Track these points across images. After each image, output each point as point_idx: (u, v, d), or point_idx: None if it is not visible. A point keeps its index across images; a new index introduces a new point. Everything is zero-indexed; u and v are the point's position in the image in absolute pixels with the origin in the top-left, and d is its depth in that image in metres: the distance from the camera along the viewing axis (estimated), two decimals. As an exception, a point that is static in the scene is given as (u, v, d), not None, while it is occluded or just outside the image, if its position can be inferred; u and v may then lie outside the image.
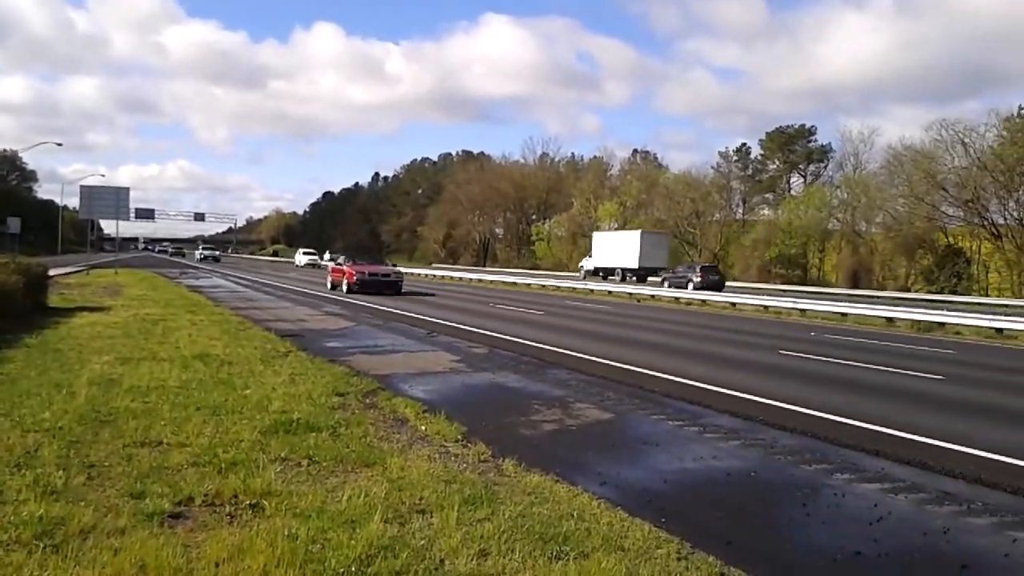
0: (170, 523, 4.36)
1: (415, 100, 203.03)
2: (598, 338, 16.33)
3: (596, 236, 58.76)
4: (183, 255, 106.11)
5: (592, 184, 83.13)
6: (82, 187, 43.80)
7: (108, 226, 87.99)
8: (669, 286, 39.24)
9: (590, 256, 56.93)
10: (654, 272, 47.01)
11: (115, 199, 41.43)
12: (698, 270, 42.15)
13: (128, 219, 48.51)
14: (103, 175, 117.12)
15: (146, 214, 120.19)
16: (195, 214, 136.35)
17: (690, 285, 39.25)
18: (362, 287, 28.12)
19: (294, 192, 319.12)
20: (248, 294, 28.36)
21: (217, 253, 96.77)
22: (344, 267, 30.31)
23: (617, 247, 52.85)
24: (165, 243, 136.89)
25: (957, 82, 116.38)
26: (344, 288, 28.94)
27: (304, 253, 78.33)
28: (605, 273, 52.42)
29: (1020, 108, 53.22)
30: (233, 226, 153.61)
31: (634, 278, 48.45)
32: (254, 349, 11.60)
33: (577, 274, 56.59)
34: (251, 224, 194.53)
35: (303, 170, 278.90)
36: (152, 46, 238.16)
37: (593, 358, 12.65)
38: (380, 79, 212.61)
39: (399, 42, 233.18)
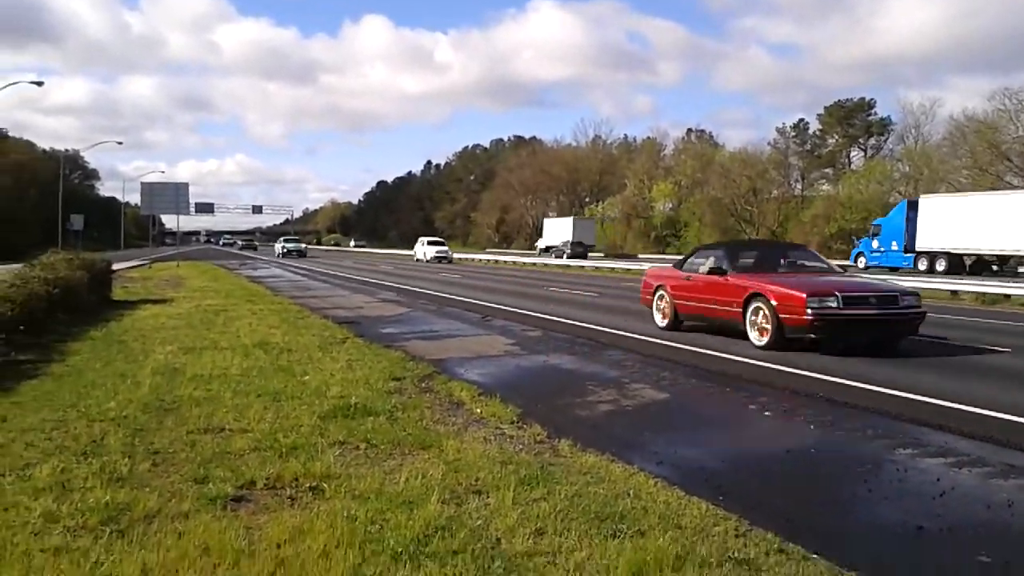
0: (232, 507, 4.46)
1: (465, 88, 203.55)
2: (650, 319, 16.19)
3: (546, 222, 74.89)
4: (255, 248, 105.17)
5: (646, 165, 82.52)
6: (143, 184, 45.21)
7: (169, 221, 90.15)
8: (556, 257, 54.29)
9: (541, 237, 70.10)
10: (586, 249, 60.36)
11: (175, 194, 42.51)
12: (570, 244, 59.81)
13: (188, 213, 49.92)
14: (163, 171, 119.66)
15: (206, 208, 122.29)
16: (253, 207, 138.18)
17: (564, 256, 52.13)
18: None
19: (348, 183, 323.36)
20: (306, 283, 28.79)
21: (303, 246, 76.12)
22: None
23: (559, 230, 67.53)
24: (228, 236, 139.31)
25: (1018, 50, 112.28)
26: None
27: (430, 243, 59.12)
28: (555, 252, 61.73)
29: (1090, 72, 51.30)
30: (290, 217, 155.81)
31: (568, 253, 58.22)
32: (312, 336, 11.79)
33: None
34: (307, 215, 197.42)
35: (356, 161, 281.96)
36: (206, 45, 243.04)
37: (649, 338, 12.57)
38: (429, 69, 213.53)
39: (447, 31, 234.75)
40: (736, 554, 3.88)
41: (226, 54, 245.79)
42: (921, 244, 37.36)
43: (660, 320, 14.04)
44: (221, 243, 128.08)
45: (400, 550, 3.76)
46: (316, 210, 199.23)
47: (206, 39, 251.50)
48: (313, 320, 14.51)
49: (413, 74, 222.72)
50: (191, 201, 57.61)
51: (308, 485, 4.79)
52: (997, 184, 50.89)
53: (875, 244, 41.07)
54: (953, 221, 35.56)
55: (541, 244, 69.67)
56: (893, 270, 36.57)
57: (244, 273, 34.99)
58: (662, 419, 7.38)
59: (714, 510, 4.56)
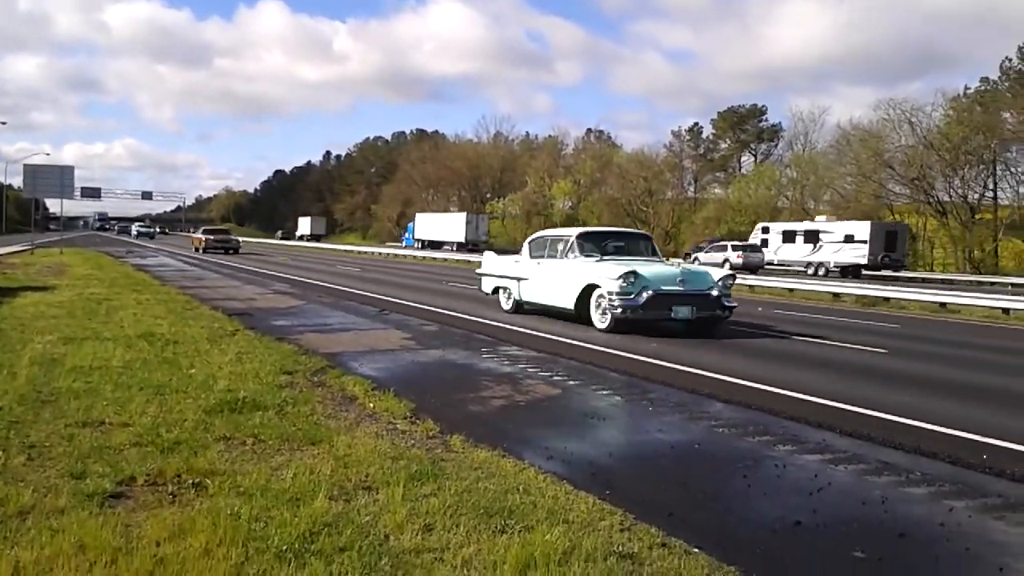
0: (111, 503, 4.30)
1: (365, 79, 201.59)
2: (550, 315, 16.37)
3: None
4: (152, 236, 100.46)
5: (546, 163, 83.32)
6: (26, 166, 43.08)
7: (54, 205, 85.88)
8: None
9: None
10: (477, 244, 62.86)
11: (59, 178, 40.57)
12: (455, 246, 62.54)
13: (73, 198, 47.72)
14: (48, 154, 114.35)
15: (92, 193, 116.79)
16: (142, 193, 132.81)
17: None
18: None
19: (244, 170, 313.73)
20: (196, 273, 27.93)
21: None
22: None
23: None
24: (123, 222, 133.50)
25: (902, 63, 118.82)
26: None
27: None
28: (432, 245, 65.89)
29: (966, 88, 54.58)
30: (182, 204, 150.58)
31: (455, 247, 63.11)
32: (200, 328, 11.45)
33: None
34: (200, 202, 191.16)
35: (253, 148, 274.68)
36: (95, 24, 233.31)
37: (543, 334, 12.72)
38: (328, 57, 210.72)
39: (346, 20, 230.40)
40: (620, 548, 3.96)
41: (115, 34, 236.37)
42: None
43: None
44: (117, 230, 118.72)
45: (285, 548, 3.70)
46: (210, 198, 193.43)
47: (95, 18, 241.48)
48: (202, 311, 14.09)
49: (311, 62, 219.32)
50: (77, 185, 55.18)
51: (191, 481, 4.65)
52: (880, 191, 53.55)
53: None
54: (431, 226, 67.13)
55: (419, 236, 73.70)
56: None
57: (131, 261, 33.68)
58: (554, 414, 7.47)
59: (601, 505, 4.64)
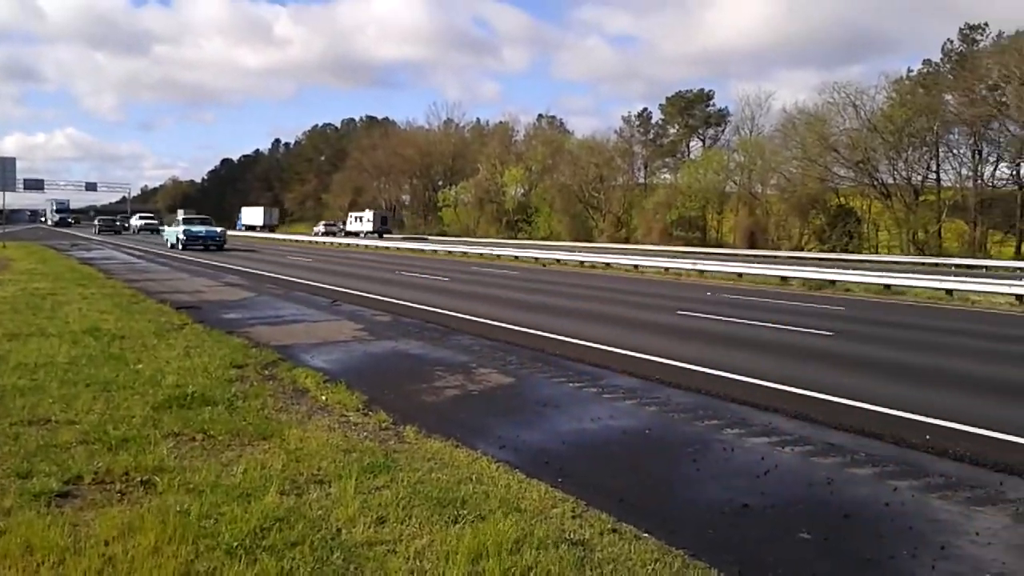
0: (58, 502, 4.25)
1: (309, 64, 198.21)
2: (502, 303, 16.42)
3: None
4: (117, 231, 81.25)
5: (498, 149, 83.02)
6: (-36, 159, 41.39)
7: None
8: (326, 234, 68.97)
9: (319, 224, 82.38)
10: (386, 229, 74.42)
11: (0, 170, 39.36)
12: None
13: (15, 190, 46.27)
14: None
15: (35, 184, 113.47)
16: (86, 184, 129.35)
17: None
18: None
19: (189, 160, 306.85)
20: (142, 265, 27.43)
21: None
22: None
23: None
24: (79, 215, 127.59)
25: (843, 47, 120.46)
26: None
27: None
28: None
29: (909, 71, 55.62)
30: (127, 195, 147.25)
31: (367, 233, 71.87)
32: (148, 322, 11.26)
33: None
34: (146, 193, 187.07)
35: (197, 137, 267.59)
36: (29, 10, 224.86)
37: (497, 323, 12.74)
38: (270, 43, 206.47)
39: (286, 4, 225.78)
40: (572, 535, 4.02)
41: (51, 21, 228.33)
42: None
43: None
44: (99, 226, 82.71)
45: (235, 544, 3.68)
46: (156, 188, 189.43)
47: (29, 4, 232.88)
48: (149, 305, 13.85)
49: (253, 48, 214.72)
50: (19, 177, 53.63)
51: (139, 479, 4.61)
52: (825, 175, 54.39)
53: None
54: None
55: (320, 228, 79.34)
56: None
57: (75, 255, 32.92)
58: (507, 403, 7.51)
59: (553, 492, 4.70)
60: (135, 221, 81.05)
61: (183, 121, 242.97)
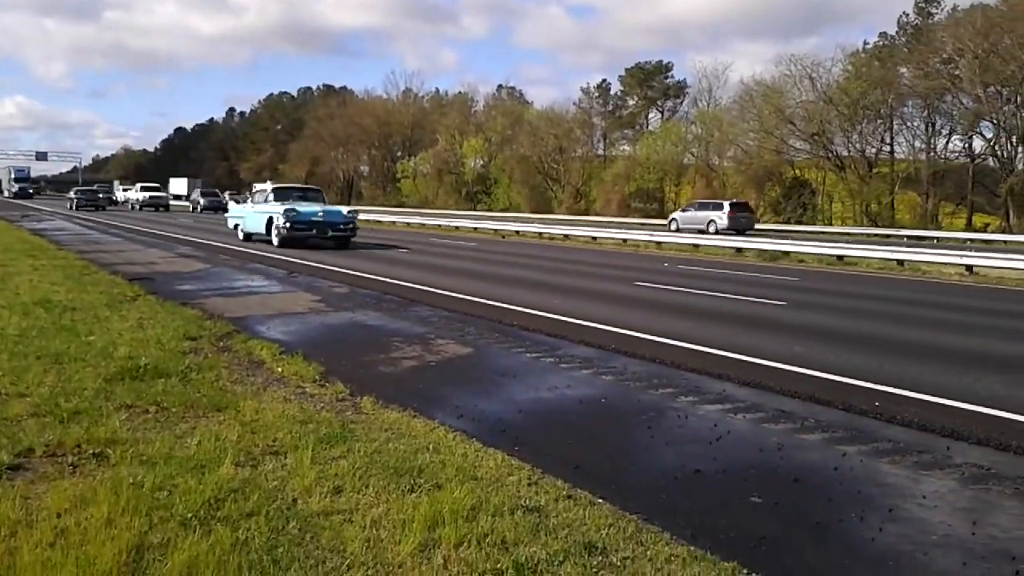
0: (9, 476, 4.18)
1: (265, 31, 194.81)
2: (460, 274, 16.42)
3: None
4: (99, 207, 62.60)
5: (457, 120, 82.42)
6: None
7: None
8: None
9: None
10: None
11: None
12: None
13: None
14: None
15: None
16: (37, 153, 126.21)
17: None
18: None
19: (142, 128, 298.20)
20: (95, 236, 26.91)
21: (31, 189, 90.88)
22: None
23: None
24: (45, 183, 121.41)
25: (801, 18, 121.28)
26: None
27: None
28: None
29: (865, 43, 56.17)
30: (78, 165, 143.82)
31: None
32: (100, 294, 11.08)
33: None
34: (98, 162, 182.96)
35: (150, 105, 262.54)
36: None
37: (455, 294, 12.74)
38: (224, 8, 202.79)
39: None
40: (527, 502, 4.06)
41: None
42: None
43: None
44: (78, 200, 60.80)
45: (190, 515, 3.67)
46: (107, 157, 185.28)
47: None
48: (101, 276, 13.62)
49: (206, 13, 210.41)
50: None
51: (92, 452, 4.56)
52: (781, 147, 54.92)
53: None
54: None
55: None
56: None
57: (26, 225, 32.18)
58: (465, 373, 7.53)
59: (509, 461, 4.74)
60: (130, 194, 66.50)
61: (135, 88, 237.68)
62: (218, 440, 4.80)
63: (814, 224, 48.48)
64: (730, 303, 12.91)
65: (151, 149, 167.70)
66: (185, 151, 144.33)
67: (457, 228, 38.51)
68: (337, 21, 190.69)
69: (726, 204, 38.06)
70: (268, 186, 26.12)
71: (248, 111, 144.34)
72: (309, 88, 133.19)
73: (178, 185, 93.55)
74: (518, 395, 6.71)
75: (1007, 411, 6.26)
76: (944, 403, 6.52)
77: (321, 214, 22.62)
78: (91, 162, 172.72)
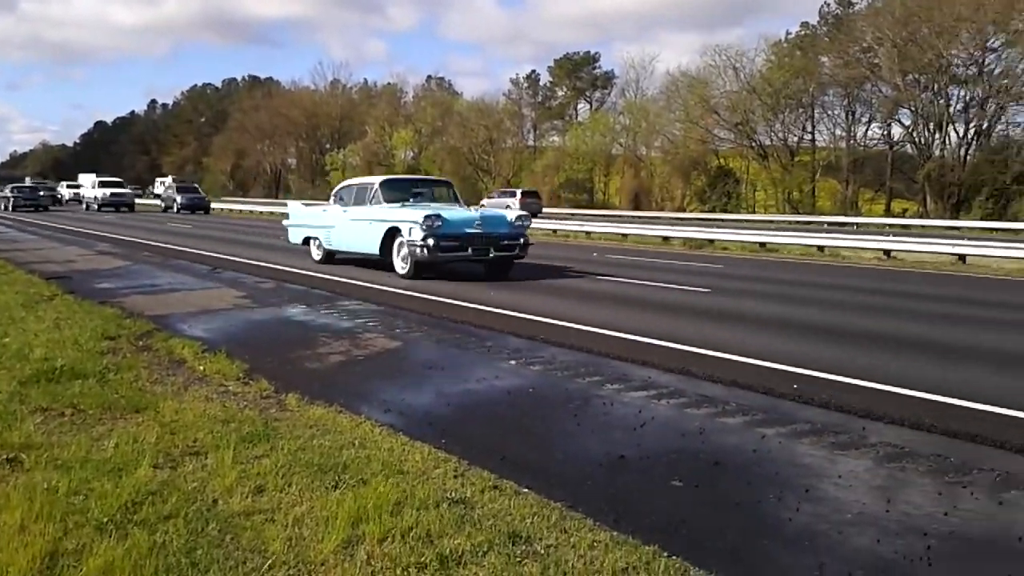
0: (-85, 485, 4.04)
1: (187, 20, 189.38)
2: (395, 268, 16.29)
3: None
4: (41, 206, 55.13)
5: (386, 111, 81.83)
6: None
7: None
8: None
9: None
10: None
11: None
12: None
13: None
14: None
15: None
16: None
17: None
18: None
19: (60, 123, 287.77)
20: (11, 235, 25.99)
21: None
22: None
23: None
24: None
25: (725, 9, 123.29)
26: None
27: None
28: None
29: (787, 33, 57.41)
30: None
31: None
32: (15, 294, 10.72)
33: None
34: (15, 158, 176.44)
35: (68, 97, 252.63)
36: None
37: (384, 288, 12.65)
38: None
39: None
40: (453, 494, 4.07)
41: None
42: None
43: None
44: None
45: (105, 520, 3.59)
46: (26, 153, 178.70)
47: None
48: (16, 275, 13.17)
49: (126, 3, 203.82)
50: None
51: (5, 457, 4.42)
52: (706, 136, 55.88)
53: None
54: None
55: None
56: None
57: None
58: (393, 367, 7.50)
59: (436, 453, 4.74)
60: (84, 191, 59.61)
61: (52, 80, 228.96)
62: (136, 442, 4.69)
63: (738, 212, 49.51)
64: (656, 291, 13.10)
65: (70, 144, 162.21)
66: (105, 145, 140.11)
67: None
68: (261, 11, 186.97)
69: (518, 192, 48.08)
70: (374, 180, 16.00)
71: (171, 103, 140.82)
72: (234, 79, 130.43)
73: (86, 180, 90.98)
74: (446, 388, 6.71)
75: (921, 391, 6.44)
76: (860, 384, 6.69)
77: (479, 222, 14.22)
78: (8, 158, 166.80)
